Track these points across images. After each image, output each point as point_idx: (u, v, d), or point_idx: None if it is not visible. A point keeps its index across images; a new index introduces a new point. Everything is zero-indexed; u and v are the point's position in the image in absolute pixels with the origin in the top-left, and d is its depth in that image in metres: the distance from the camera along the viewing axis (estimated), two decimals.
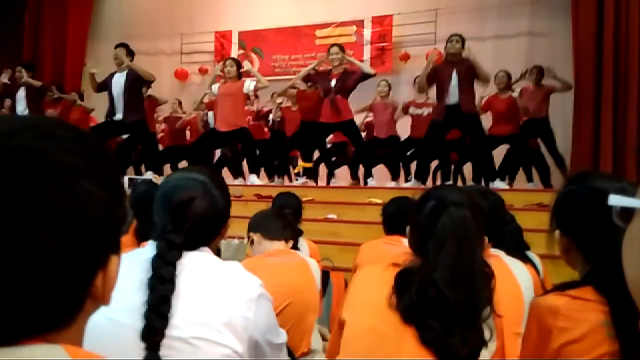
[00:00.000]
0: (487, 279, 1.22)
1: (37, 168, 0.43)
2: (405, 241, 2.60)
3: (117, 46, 6.52)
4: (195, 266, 1.17)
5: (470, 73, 5.65)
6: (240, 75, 6.60)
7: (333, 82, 6.21)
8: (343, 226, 4.58)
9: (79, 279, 0.49)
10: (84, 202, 0.46)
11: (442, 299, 1.14)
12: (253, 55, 10.12)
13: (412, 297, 1.16)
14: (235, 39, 10.23)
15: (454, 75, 5.66)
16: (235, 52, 10.20)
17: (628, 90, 6.35)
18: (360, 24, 9.48)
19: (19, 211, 0.42)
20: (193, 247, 1.20)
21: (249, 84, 6.33)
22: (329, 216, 5.12)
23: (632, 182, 1.20)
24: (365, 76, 6.20)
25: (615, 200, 0.46)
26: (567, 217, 1.20)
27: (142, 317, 1.05)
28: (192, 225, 1.18)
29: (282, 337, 1.32)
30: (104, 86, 6.58)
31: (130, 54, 6.52)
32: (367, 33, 9.43)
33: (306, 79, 6.54)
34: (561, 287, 1.15)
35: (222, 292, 1.14)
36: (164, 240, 1.15)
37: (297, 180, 6.77)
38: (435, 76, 5.86)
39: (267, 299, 1.22)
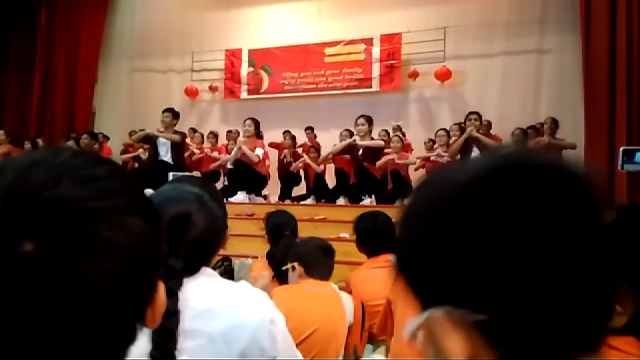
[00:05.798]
0: None
1: (84, 216, 0.43)
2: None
3: (164, 111, 7.05)
4: (200, 299, 1.07)
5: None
6: (259, 135, 7.17)
7: (360, 152, 6.66)
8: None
9: (137, 314, 0.49)
10: (136, 238, 0.46)
11: None
12: (263, 73, 10.21)
13: None
14: (245, 56, 10.32)
15: (475, 150, 6.08)
16: (245, 69, 10.29)
17: None
18: (369, 41, 9.54)
19: (78, 260, 0.42)
20: (193, 269, 1.10)
21: (259, 152, 6.90)
22: (342, 235, 5.09)
23: None
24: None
25: None
26: (615, 250, 1.12)
27: (149, 356, 0.97)
28: (190, 247, 1.07)
29: (298, 356, 1.25)
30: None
31: (176, 116, 7.08)
32: (376, 51, 9.49)
33: (339, 153, 7.06)
34: None
35: (233, 325, 1.05)
36: (162, 267, 1.05)
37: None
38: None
39: (280, 321, 1.14)
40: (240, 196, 6.85)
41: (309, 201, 7.38)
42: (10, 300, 0.40)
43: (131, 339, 0.49)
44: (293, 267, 2.11)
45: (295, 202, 7.36)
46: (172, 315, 0.99)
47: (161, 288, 0.52)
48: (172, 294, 1.00)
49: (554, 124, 6.78)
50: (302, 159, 7.95)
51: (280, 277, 2.40)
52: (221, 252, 1.26)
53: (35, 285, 0.40)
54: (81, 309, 0.42)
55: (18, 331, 0.40)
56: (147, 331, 0.94)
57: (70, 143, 7.71)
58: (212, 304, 1.07)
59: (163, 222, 1.04)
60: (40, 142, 8.38)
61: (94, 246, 0.43)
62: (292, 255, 2.17)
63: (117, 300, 0.45)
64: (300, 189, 8.24)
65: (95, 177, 0.46)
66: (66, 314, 0.42)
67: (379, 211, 2.82)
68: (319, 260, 2.07)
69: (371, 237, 2.61)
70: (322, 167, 7.79)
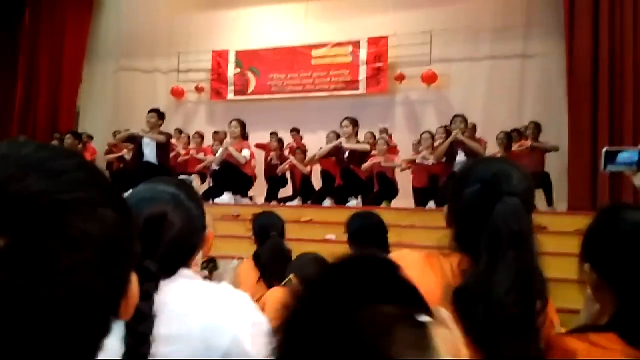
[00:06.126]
0: (543, 283, 1.06)
1: (56, 209, 0.42)
2: None
3: (150, 111, 7.00)
4: (178, 303, 1.03)
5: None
6: (245, 136, 7.15)
7: (346, 154, 6.70)
8: (342, 247, 4.54)
9: (113, 306, 0.48)
10: (110, 229, 0.46)
11: (510, 317, 0.99)
12: (250, 74, 10.19)
13: (480, 321, 0.99)
14: (232, 58, 10.29)
15: (460, 153, 6.16)
16: (232, 71, 10.26)
17: (623, 110, 6.42)
18: (356, 44, 9.57)
19: (54, 253, 0.41)
20: (170, 271, 1.05)
21: (245, 153, 6.88)
22: (328, 237, 5.09)
23: None
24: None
25: None
26: (597, 251, 1.10)
27: None
28: (167, 249, 1.03)
29: None
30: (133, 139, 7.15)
31: (161, 117, 7.03)
32: (363, 54, 9.52)
33: (326, 156, 7.10)
34: (584, 329, 1.08)
35: (213, 329, 1.01)
36: (136, 269, 0.98)
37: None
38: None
39: (263, 323, 1.09)
40: (226, 197, 6.83)
41: (296, 203, 7.38)
42: None
43: (107, 331, 0.48)
44: (290, 280, 2.14)
45: (281, 204, 7.35)
46: (146, 318, 0.95)
47: (134, 279, 0.52)
48: (148, 297, 0.96)
49: (537, 128, 6.87)
50: (288, 161, 7.95)
51: (266, 278, 2.40)
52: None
53: (11, 282, 0.39)
54: (59, 302, 0.42)
55: None
56: (120, 334, 0.92)
57: (55, 143, 7.62)
58: (191, 307, 1.03)
59: (138, 220, 1.02)
60: None
61: (69, 238, 0.42)
62: (289, 270, 2.22)
63: (96, 292, 0.44)
64: (286, 191, 8.23)
65: (63, 170, 0.45)
66: (44, 308, 0.41)
67: (372, 212, 2.82)
68: (313, 270, 2.10)
69: (362, 236, 2.59)
70: (308, 168, 7.79)
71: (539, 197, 6.57)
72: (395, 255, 1.21)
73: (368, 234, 2.59)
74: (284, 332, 0.57)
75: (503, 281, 0.99)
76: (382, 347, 0.52)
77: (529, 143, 6.79)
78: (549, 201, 6.64)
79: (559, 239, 4.30)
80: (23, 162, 0.44)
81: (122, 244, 0.47)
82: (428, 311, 0.59)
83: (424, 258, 1.13)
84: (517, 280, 0.99)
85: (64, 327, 0.43)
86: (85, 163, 0.49)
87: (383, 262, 0.62)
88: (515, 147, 6.83)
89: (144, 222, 1.01)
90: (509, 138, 6.75)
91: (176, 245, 1.06)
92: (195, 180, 7.51)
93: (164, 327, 0.96)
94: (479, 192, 1.08)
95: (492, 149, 6.87)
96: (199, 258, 1.17)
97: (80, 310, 0.43)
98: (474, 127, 7.30)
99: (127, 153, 8.35)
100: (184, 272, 1.08)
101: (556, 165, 7.09)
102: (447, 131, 6.62)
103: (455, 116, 6.41)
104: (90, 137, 9.28)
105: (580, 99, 6.72)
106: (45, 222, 0.41)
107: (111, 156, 8.90)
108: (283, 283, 2.20)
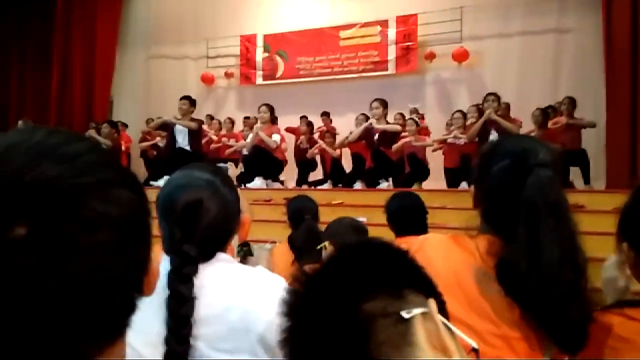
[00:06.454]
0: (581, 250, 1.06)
1: (73, 193, 0.43)
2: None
3: (181, 98, 7.10)
4: (216, 286, 1.06)
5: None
6: (274, 121, 7.20)
7: (376, 136, 6.65)
8: (374, 230, 4.53)
9: (136, 284, 0.49)
10: (126, 209, 0.47)
11: (568, 285, 1.00)
12: (278, 58, 10.18)
13: (536, 293, 0.99)
14: (260, 42, 10.29)
15: (493, 132, 6.05)
16: (260, 55, 10.26)
17: None
18: (384, 23, 9.43)
19: (73, 237, 0.42)
20: (208, 255, 1.09)
21: (275, 137, 6.92)
22: (359, 219, 5.08)
23: None
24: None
25: None
26: (634, 228, 1.08)
27: (163, 342, 0.97)
28: (204, 234, 1.07)
29: None
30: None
31: (193, 104, 7.14)
32: (392, 33, 9.38)
33: (357, 139, 7.04)
34: (620, 304, 1.08)
35: (250, 311, 1.04)
36: (176, 253, 1.03)
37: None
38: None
39: None
40: (258, 182, 6.89)
41: (326, 186, 7.39)
42: (13, 286, 0.40)
43: (132, 308, 0.50)
44: (325, 247, 2.13)
45: (312, 187, 7.38)
46: (187, 301, 0.99)
47: (153, 256, 0.53)
48: (188, 280, 1.00)
49: (572, 104, 6.67)
50: (317, 144, 7.95)
51: (301, 261, 2.42)
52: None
53: (36, 268, 0.41)
54: (84, 284, 0.43)
55: (24, 315, 0.41)
56: (162, 316, 0.98)
57: (92, 132, 7.81)
58: (229, 290, 1.07)
59: (175, 206, 1.07)
60: None
61: (87, 221, 0.43)
62: (324, 235, 2.18)
63: (117, 272, 0.45)
64: (317, 174, 8.26)
65: (75, 154, 0.46)
66: (70, 291, 0.42)
67: (411, 192, 2.82)
68: (347, 235, 2.08)
69: (400, 217, 2.60)
70: (338, 151, 7.78)
71: (576, 175, 6.42)
72: (421, 238, 1.22)
73: (407, 215, 2.61)
74: (287, 324, 0.60)
75: (551, 252, 0.99)
76: (361, 345, 0.53)
77: (564, 119, 6.60)
78: (586, 179, 6.48)
79: (597, 217, 4.20)
80: (35, 148, 0.44)
81: (138, 223, 0.48)
82: (436, 294, 0.59)
83: (449, 238, 1.14)
84: (564, 249, 1.00)
85: (89, 306, 0.44)
86: (96, 145, 0.49)
87: (382, 248, 0.61)
88: (550, 125, 6.65)
89: (182, 208, 1.05)
90: (544, 115, 6.58)
91: (212, 230, 1.09)
92: (231, 168, 7.59)
93: (203, 309, 1.00)
94: (508, 167, 1.08)
95: (527, 129, 6.72)
96: (235, 242, 1.20)
97: (103, 290, 0.44)
98: (507, 106, 7.15)
99: (160, 140, 8.50)
100: (221, 256, 1.11)
101: (593, 142, 6.89)
102: (480, 110, 6.50)
103: (488, 94, 6.29)
104: (125, 125, 9.48)
105: (619, 74, 6.50)
106: (62, 207, 0.42)
107: (145, 144, 9.07)
108: (318, 247, 2.20)
